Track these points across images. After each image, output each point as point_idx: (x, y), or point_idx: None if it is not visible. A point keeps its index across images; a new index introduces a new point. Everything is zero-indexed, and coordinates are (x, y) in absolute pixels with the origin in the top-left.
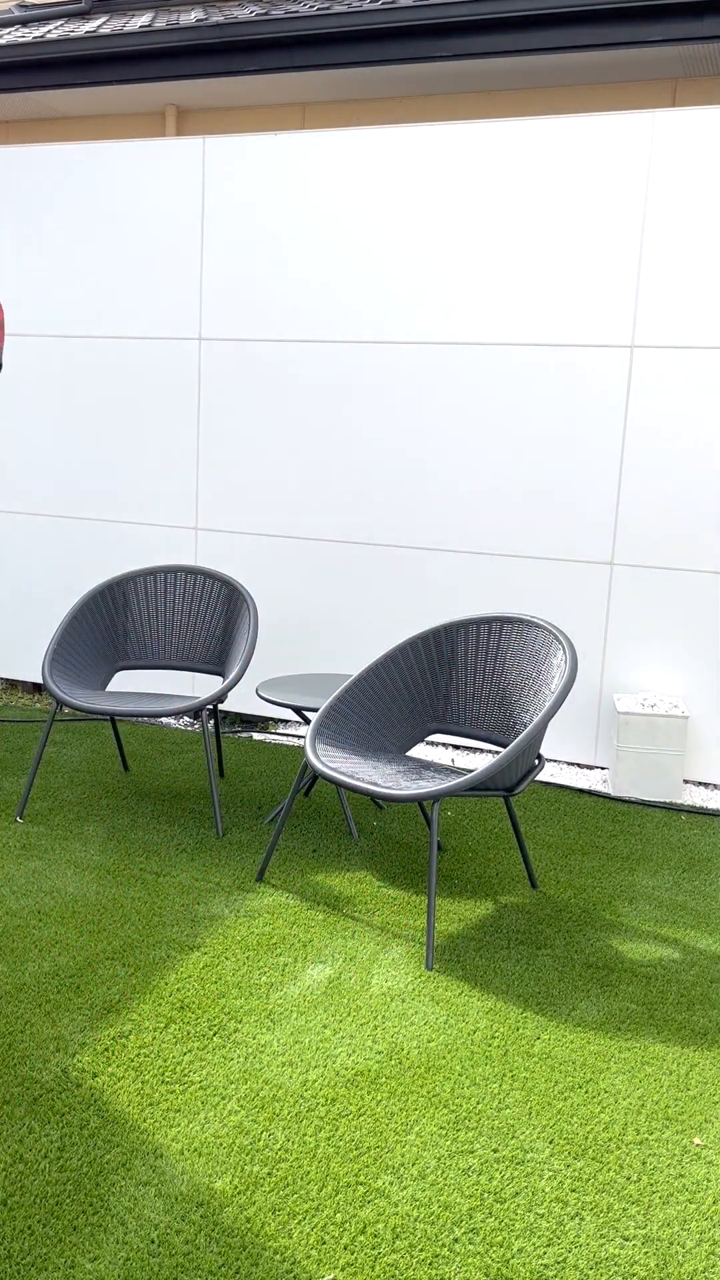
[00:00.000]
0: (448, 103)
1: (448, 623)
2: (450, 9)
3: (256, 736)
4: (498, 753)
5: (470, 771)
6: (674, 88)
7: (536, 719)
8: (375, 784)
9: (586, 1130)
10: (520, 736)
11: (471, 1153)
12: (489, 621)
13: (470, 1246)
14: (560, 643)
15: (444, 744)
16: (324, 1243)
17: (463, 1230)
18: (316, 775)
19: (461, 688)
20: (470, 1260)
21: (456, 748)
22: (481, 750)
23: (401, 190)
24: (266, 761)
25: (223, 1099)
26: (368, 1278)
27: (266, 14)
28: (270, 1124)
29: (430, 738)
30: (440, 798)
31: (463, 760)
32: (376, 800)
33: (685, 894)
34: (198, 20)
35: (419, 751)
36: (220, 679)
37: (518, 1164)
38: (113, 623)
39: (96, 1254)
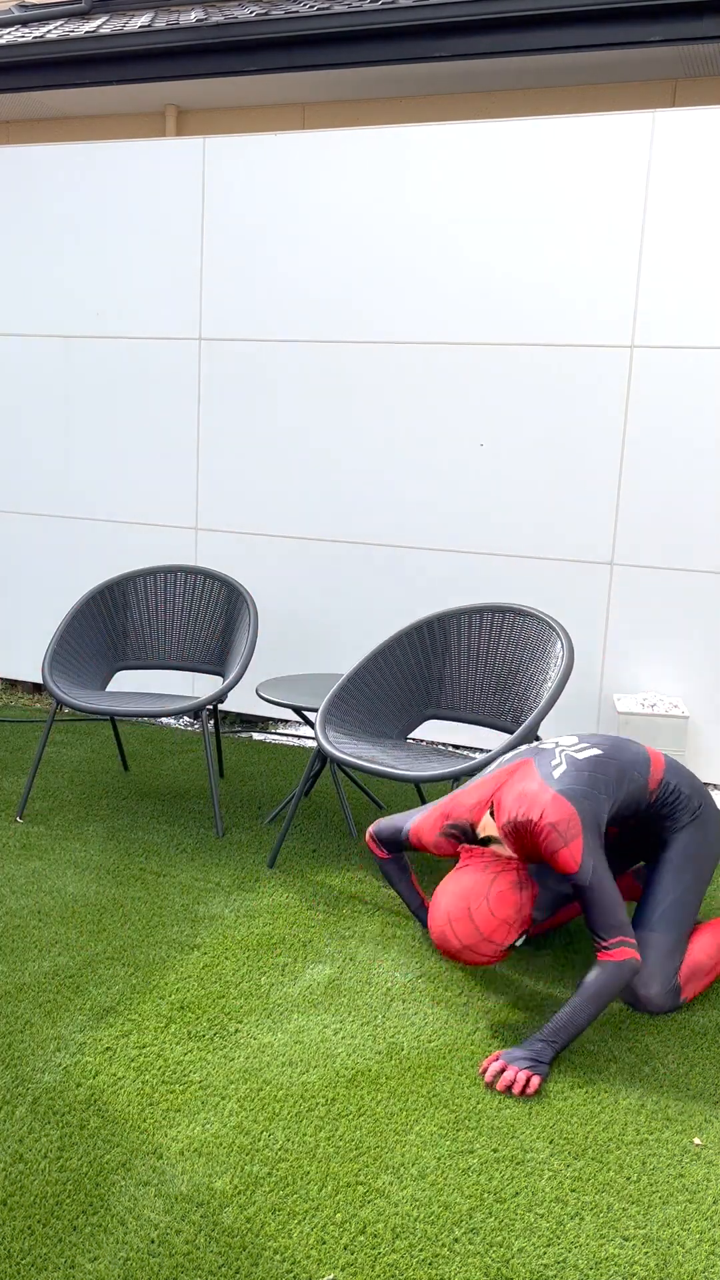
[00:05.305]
0: (448, 103)
1: (440, 612)
2: (450, 9)
3: (256, 736)
4: (493, 735)
5: (474, 754)
6: (674, 88)
7: (544, 700)
8: (392, 766)
9: (586, 1130)
10: (531, 716)
11: (471, 1153)
12: (480, 611)
13: (470, 1246)
14: (554, 630)
15: (436, 733)
16: (324, 1243)
17: (463, 1230)
18: (328, 759)
19: (455, 674)
20: (470, 1260)
21: (449, 736)
22: (475, 748)
23: (401, 190)
24: (266, 761)
25: (223, 1099)
26: (368, 1278)
27: (266, 14)
28: (270, 1124)
29: (425, 723)
30: (460, 776)
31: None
32: (377, 800)
33: None
34: (198, 20)
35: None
36: (220, 679)
37: (518, 1164)
38: (112, 623)
39: (96, 1254)
